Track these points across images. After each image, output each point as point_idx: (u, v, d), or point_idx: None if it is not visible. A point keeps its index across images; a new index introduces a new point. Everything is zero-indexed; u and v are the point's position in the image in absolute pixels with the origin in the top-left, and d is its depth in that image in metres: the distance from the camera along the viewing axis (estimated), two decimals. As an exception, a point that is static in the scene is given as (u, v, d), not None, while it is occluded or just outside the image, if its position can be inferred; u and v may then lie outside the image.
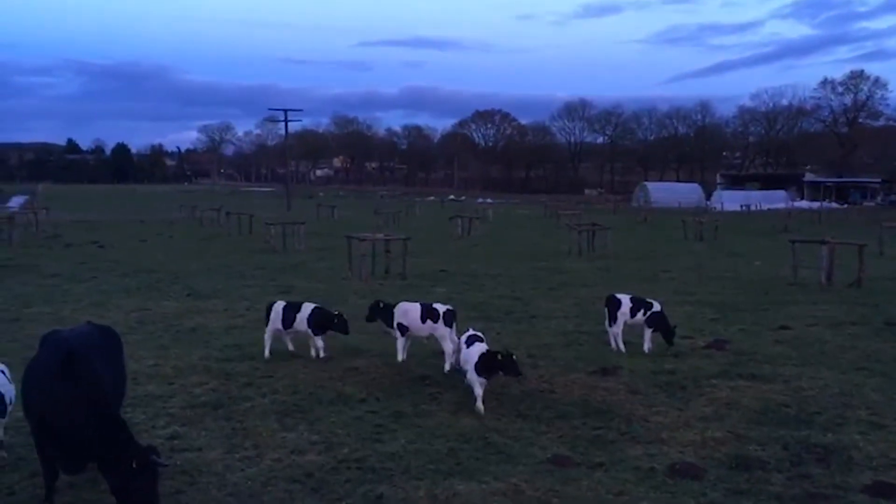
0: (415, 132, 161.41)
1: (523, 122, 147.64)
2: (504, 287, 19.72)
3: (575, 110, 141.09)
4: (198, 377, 10.15)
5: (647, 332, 11.92)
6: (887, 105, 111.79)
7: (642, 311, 11.86)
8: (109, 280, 20.25)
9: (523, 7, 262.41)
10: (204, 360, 11.08)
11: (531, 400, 9.12)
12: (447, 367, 10.39)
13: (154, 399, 9.13)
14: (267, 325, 11.26)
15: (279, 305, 11.28)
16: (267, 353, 11.16)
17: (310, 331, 11.01)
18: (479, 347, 8.98)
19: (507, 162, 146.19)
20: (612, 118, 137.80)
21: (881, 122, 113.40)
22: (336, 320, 11.09)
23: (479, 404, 8.60)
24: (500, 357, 8.65)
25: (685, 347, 12.14)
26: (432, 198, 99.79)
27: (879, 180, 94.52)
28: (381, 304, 11.21)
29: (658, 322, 11.88)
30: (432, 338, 10.80)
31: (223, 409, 8.79)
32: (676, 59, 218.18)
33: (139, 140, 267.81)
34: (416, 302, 11.27)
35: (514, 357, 8.76)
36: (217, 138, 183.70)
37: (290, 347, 11.42)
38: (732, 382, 9.98)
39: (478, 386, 8.66)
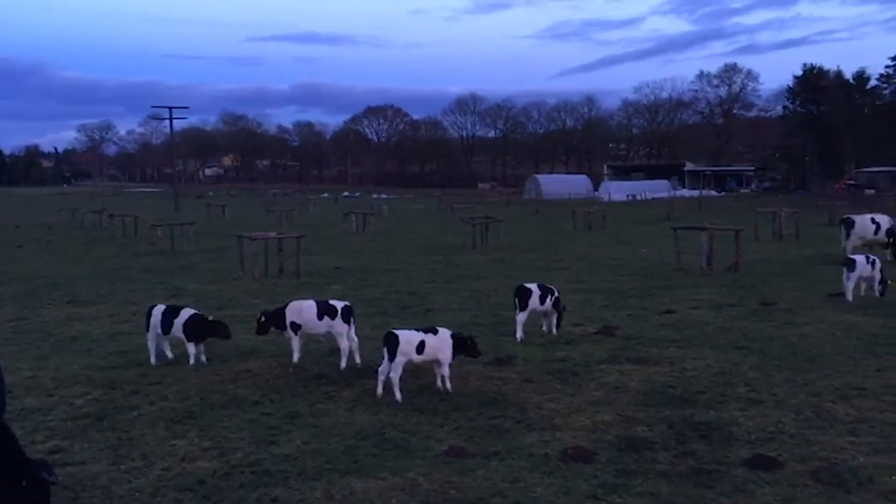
0: (306, 129, 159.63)
1: (416, 117, 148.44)
2: (400, 282, 19.73)
3: (466, 105, 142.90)
4: (80, 387, 9.68)
5: (554, 318, 12.40)
6: (759, 97, 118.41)
7: (549, 297, 12.26)
8: (-19, 289, 19.08)
9: (416, 2, 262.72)
10: (86, 370, 10.59)
11: (427, 393, 9.16)
12: (343, 364, 10.30)
13: (32, 412, 8.65)
14: (147, 330, 10.85)
15: (158, 309, 10.87)
16: (153, 359, 10.77)
17: (184, 337, 10.62)
18: (447, 332, 9.32)
19: (400, 157, 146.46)
20: (502, 112, 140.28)
21: (754, 112, 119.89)
22: (215, 327, 10.74)
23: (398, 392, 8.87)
24: (468, 340, 9.41)
25: (576, 335, 12.47)
26: (326, 195, 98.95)
27: (753, 168, 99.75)
28: (263, 317, 10.82)
29: (559, 307, 12.41)
30: (329, 335, 10.66)
31: (108, 419, 8.42)
32: (563, 53, 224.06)
33: (15, 141, 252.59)
34: (311, 299, 11.11)
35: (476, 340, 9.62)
36: (97, 137, 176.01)
37: (169, 355, 10.94)
38: (621, 366, 10.31)
39: (396, 372, 8.85)
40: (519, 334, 12.10)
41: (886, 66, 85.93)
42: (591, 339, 12.13)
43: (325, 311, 10.42)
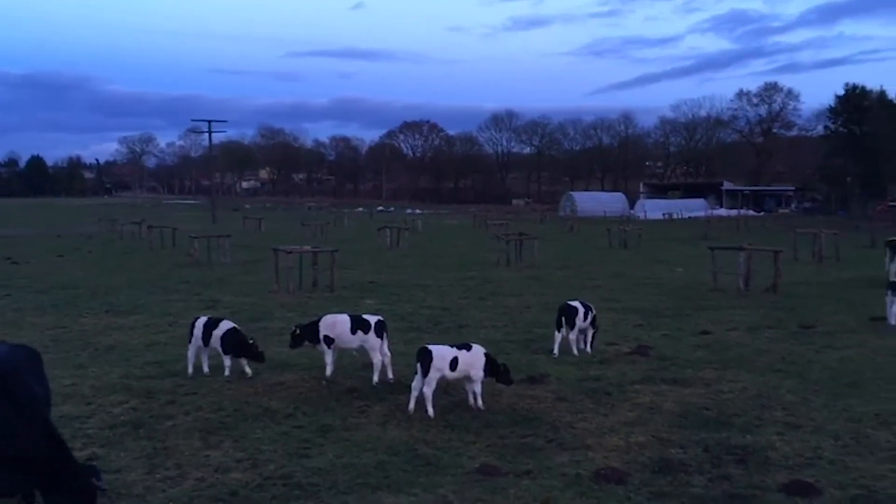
0: (342, 143, 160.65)
1: (451, 132, 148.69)
2: (433, 297, 19.74)
3: (502, 121, 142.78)
4: (117, 396, 9.82)
5: (590, 334, 12.50)
6: (799, 116, 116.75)
7: (589, 314, 12.37)
8: (23, 297, 19.46)
9: (454, 19, 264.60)
10: (124, 379, 10.74)
11: (459, 410, 9.14)
12: (375, 379, 10.32)
13: (71, 420, 8.79)
14: (190, 341, 10.98)
15: (201, 321, 11.00)
16: (190, 370, 10.88)
17: (221, 349, 10.73)
18: (480, 350, 9.34)
19: (435, 172, 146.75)
20: (538, 129, 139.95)
21: (794, 132, 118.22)
22: (251, 345, 10.81)
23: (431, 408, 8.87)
24: (502, 367, 9.42)
25: (610, 354, 12.37)
26: (361, 209, 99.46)
27: (793, 188, 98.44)
28: (297, 330, 10.90)
29: (595, 325, 12.59)
30: (362, 350, 10.69)
31: (144, 428, 8.53)
32: (601, 71, 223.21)
33: (59, 152, 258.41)
34: (344, 313, 11.17)
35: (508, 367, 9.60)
36: (138, 150, 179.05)
37: (205, 369, 10.98)
38: (655, 387, 10.20)
39: (430, 387, 8.85)
40: (574, 350, 12.23)
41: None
42: (625, 359, 12.03)
43: (358, 325, 10.46)
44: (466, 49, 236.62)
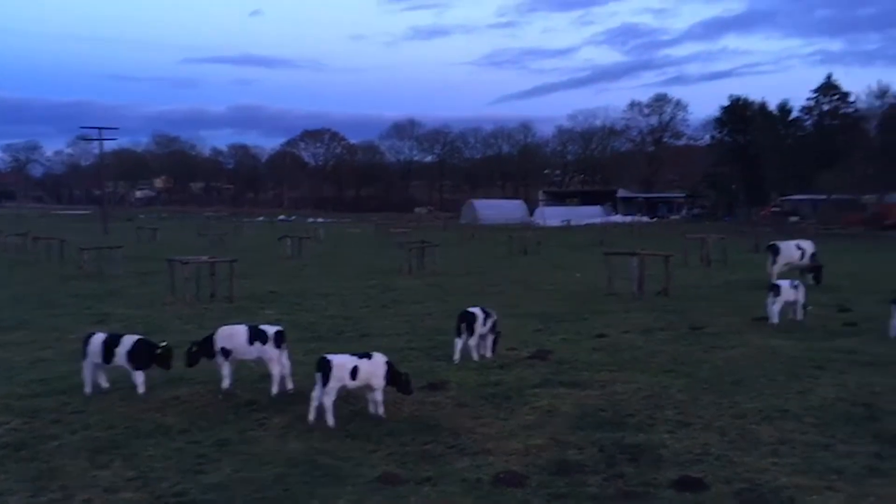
0: (242, 151, 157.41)
1: (353, 141, 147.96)
2: (335, 306, 19.58)
3: (404, 130, 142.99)
4: (-2, 417, 9.31)
5: (491, 339, 12.56)
6: (688, 126, 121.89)
7: (490, 320, 12.47)
8: None
9: (355, 27, 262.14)
10: (5, 398, 10.18)
11: (360, 419, 9.09)
12: (275, 390, 10.14)
13: (-55, 444, 8.28)
14: (85, 358, 10.46)
15: (98, 338, 10.50)
16: (88, 389, 10.38)
17: (129, 365, 10.31)
18: (381, 358, 9.27)
19: (337, 181, 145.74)
20: (440, 137, 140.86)
21: (683, 141, 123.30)
22: (160, 355, 10.46)
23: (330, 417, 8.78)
24: (403, 376, 9.38)
25: (510, 359, 12.55)
26: (261, 218, 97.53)
27: (683, 195, 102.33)
28: (193, 347, 10.59)
29: (496, 330, 12.70)
30: (260, 361, 10.48)
31: (27, 449, 8.11)
32: (501, 81, 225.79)
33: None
34: (242, 324, 10.93)
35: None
36: (23, 158, 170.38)
37: (105, 384, 10.58)
38: (554, 390, 10.41)
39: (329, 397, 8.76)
40: (475, 356, 12.34)
41: (808, 98, 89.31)
42: (524, 364, 12.22)
43: (256, 336, 10.26)
44: (367, 57, 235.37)
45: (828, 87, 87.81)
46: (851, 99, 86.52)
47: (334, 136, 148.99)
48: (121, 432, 8.69)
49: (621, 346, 13.67)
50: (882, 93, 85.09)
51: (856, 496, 6.75)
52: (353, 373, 8.92)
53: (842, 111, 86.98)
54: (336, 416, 8.80)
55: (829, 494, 6.78)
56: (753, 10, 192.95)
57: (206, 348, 10.44)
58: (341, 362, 8.94)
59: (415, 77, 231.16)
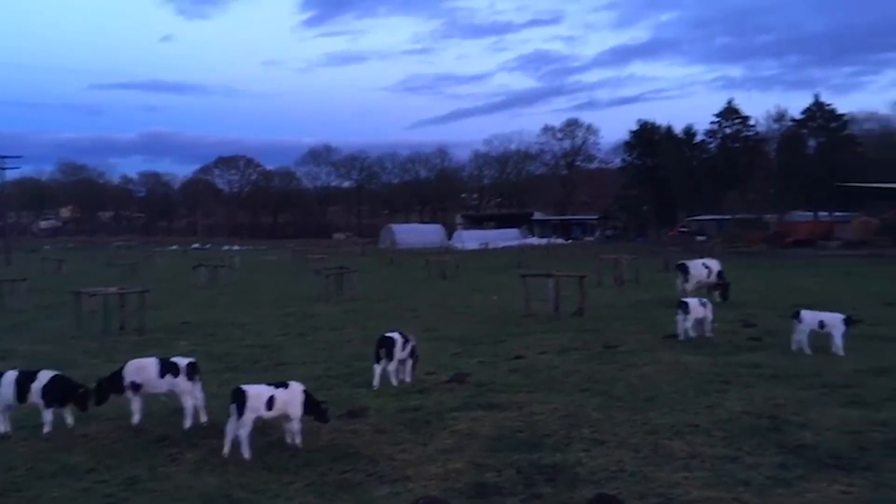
0: (153, 179, 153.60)
1: (269, 167, 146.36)
2: (251, 335, 19.24)
3: (320, 155, 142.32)
4: None
5: (410, 364, 12.62)
6: (599, 150, 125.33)
7: (408, 344, 12.47)
8: None
9: (268, 53, 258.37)
10: None
11: (277, 450, 8.92)
12: (188, 424, 9.87)
13: None
14: None
15: (10, 376, 9.95)
16: (3, 429, 9.86)
17: (42, 402, 9.82)
18: (299, 387, 9.13)
19: (253, 208, 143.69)
20: (357, 163, 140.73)
21: (595, 164, 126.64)
22: (81, 392, 10.01)
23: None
24: (320, 404, 9.27)
25: (429, 383, 12.56)
26: (175, 247, 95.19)
27: (597, 217, 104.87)
28: (102, 383, 10.22)
29: (415, 355, 12.73)
30: (172, 394, 10.20)
31: (-81, 497, 7.67)
32: (417, 106, 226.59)
33: None
34: (152, 356, 10.62)
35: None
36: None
37: (6, 429, 9.98)
38: (472, 413, 10.46)
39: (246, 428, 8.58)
40: (394, 381, 12.31)
41: (711, 122, 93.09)
42: (443, 387, 12.24)
43: (167, 368, 10.00)
44: (282, 83, 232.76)
45: (729, 112, 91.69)
46: (752, 122, 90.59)
47: (249, 162, 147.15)
48: (22, 474, 8.30)
49: (538, 366, 13.85)
50: (780, 116, 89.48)
51: (762, 505, 6.99)
52: (270, 403, 8.78)
53: (743, 134, 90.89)
54: (252, 447, 8.63)
55: (737, 505, 7.00)
56: (658, 39, 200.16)
57: (114, 383, 10.09)
58: (257, 392, 8.78)
59: (331, 103, 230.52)
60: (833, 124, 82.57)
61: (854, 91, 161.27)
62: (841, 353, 13.92)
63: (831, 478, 7.59)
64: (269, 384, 9.16)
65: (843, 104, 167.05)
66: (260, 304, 27.97)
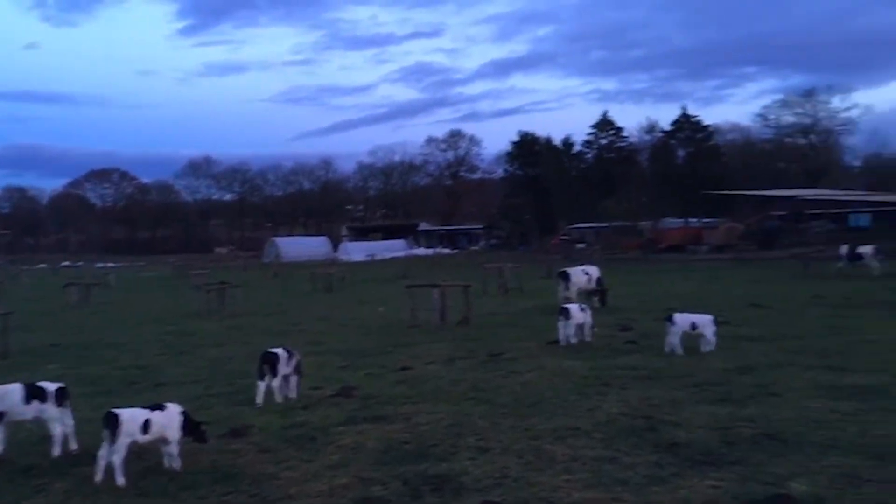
0: (18, 194, 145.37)
1: (146, 180, 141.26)
2: (127, 356, 18.44)
3: (200, 168, 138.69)
4: None
5: (294, 379, 12.35)
6: (482, 160, 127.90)
7: (293, 360, 12.27)
8: None
9: (143, 62, 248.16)
10: None
11: (154, 474, 8.57)
12: (57, 451, 9.36)
13: None
14: None
15: None
16: None
17: None
18: (176, 408, 8.86)
19: (129, 222, 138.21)
20: (238, 175, 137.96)
21: (478, 175, 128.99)
22: None
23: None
24: (199, 425, 9.03)
25: (314, 398, 12.38)
26: (43, 265, 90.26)
27: (481, 227, 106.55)
28: None
29: (300, 370, 12.52)
30: (39, 421, 9.64)
31: None
32: (299, 117, 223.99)
33: None
34: (17, 382, 10.01)
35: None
36: None
37: None
38: (359, 427, 10.38)
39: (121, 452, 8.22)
40: (279, 398, 12.06)
41: (588, 134, 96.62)
42: (329, 402, 12.10)
43: (33, 394, 9.46)
44: (158, 94, 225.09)
45: (604, 123, 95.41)
46: (625, 134, 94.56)
47: (124, 175, 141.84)
48: None
49: (425, 377, 13.89)
50: (651, 128, 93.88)
51: (639, 504, 7.25)
52: (145, 426, 8.44)
53: (617, 145, 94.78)
54: (126, 474, 8.26)
55: (616, 504, 7.24)
56: (536, 52, 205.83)
57: (-27, 412, 9.45)
58: (131, 416, 8.42)
59: (210, 114, 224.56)
60: (699, 135, 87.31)
61: (718, 103, 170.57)
62: (713, 348, 14.72)
63: (703, 473, 7.95)
64: (144, 407, 8.80)
65: (709, 116, 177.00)
66: (137, 322, 26.89)
